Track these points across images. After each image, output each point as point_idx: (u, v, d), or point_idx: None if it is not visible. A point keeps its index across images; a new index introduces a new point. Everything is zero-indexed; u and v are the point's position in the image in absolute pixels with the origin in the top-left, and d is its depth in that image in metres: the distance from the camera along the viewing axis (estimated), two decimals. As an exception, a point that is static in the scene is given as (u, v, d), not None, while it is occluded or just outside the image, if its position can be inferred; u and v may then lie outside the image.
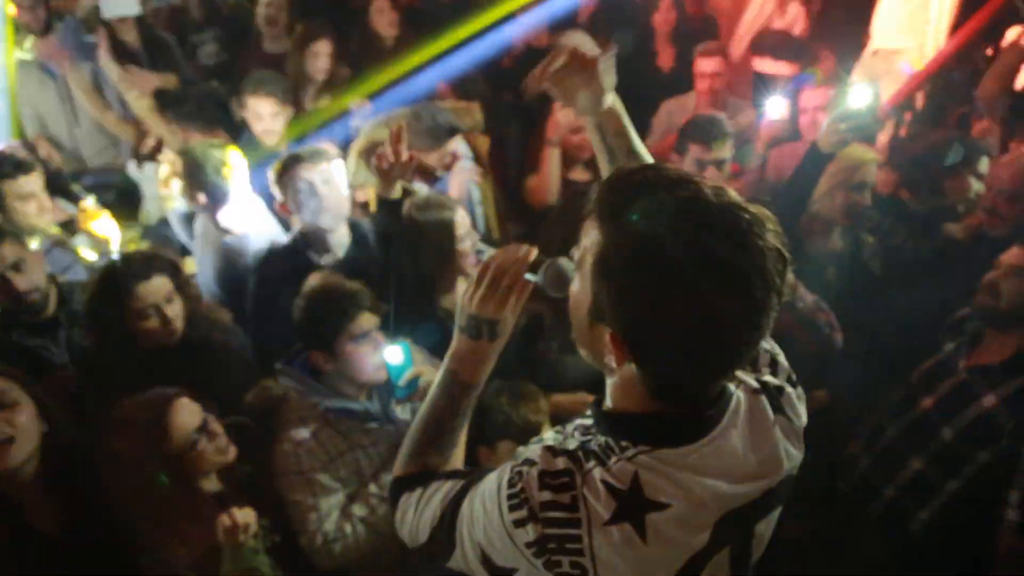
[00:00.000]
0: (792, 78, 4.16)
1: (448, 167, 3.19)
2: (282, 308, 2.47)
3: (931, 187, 3.00)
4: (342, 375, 2.10)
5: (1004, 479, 2.20)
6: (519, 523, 1.03)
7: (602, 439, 1.08)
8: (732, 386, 1.11)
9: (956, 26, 3.76)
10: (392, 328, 2.10)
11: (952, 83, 3.70)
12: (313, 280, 2.41)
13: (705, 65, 3.85)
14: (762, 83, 4.25)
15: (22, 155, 3.01)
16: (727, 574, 1.13)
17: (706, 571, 1.09)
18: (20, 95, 4.14)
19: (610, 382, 1.12)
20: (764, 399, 1.14)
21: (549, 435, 1.18)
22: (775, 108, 3.28)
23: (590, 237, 1.02)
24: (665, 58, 4.38)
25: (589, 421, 1.15)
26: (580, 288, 1.06)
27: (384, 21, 4.32)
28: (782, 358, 1.23)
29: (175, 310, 2.27)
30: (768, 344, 1.22)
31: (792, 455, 1.15)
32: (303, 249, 2.65)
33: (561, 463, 1.05)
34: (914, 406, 2.46)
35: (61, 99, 4.17)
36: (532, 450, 1.09)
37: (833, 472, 2.81)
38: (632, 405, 1.08)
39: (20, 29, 4.17)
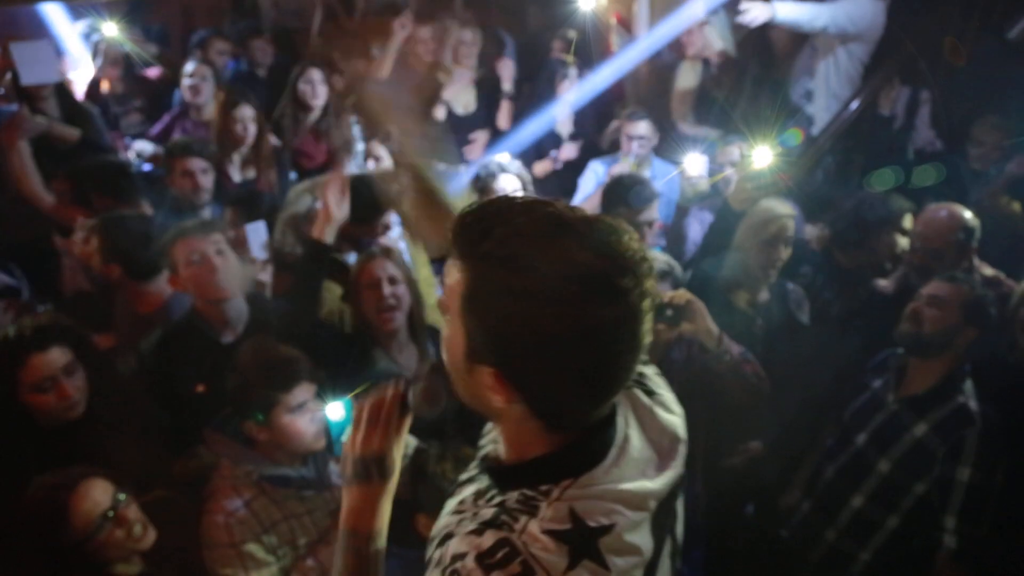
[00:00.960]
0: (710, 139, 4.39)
1: (381, 235, 3.19)
2: (181, 391, 2.43)
3: (858, 244, 3.11)
4: (277, 445, 2.01)
5: (940, 509, 2.26)
6: None
7: (514, 494, 1.03)
8: None
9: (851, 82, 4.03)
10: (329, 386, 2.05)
11: (856, 137, 3.94)
12: (246, 347, 2.32)
13: (633, 129, 4.01)
14: (679, 141, 4.47)
15: None
16: (668, 563, 1.13)
17: (659, 570, 1.09)
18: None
19: (501, 432, 1.09)
20: (636, 390, 1.15)
21: (441, 523, 1.12)
22: (695, 165, 3.41)
23: (452, 277, 0.99)
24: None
25: (482, 485, 1.11)
26: (451, 333, 1.03)
27: (310, 92, 4.36)
28: None
29: (75, 384, 2.10)
30: None
31: (676, 423, 1.16)
32: (199, 325, 2.50)
33: (491, 537, 0.98)
34: (849, 444, 2.53)
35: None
36: (452, 545, 1.02)
37: (774, 520, 2.84)
38: (534, 449, 1.04)
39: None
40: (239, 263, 2.55)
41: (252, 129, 3.95)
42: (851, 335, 2.92)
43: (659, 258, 2.66)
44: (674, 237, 3.50)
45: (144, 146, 4.31)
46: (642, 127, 4.00)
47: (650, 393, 1.16)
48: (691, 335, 2.51)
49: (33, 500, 1.71)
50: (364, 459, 1.22)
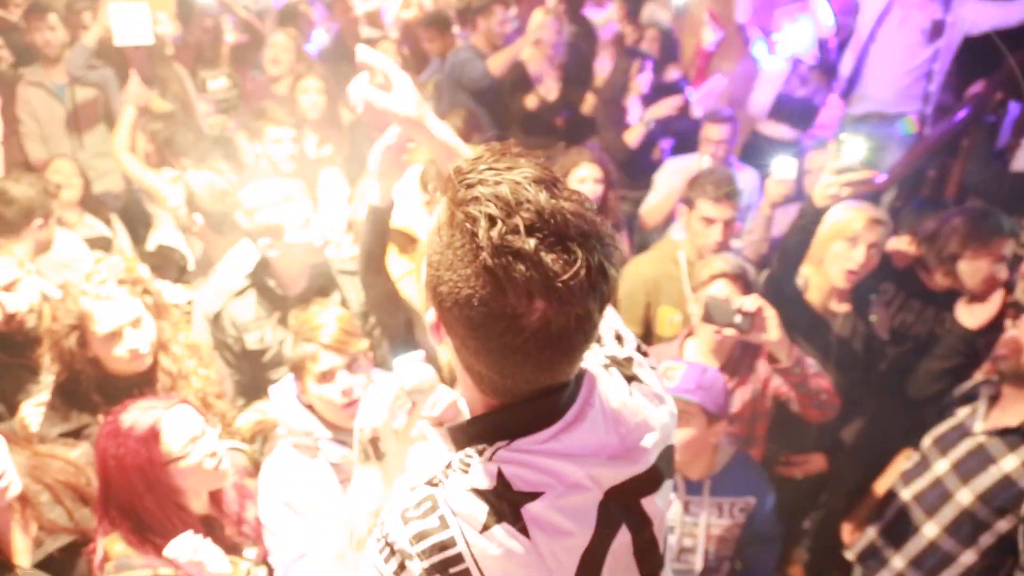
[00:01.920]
0: (796, 141, 4.21)
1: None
2: (250, 346, 2.47)
3: (954, 263, 2.83)
4: (319, 409, 1.99)
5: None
6: (398, 571, 0.96)
7: (460, 454, 1.01)
8: (584, 367, 1.05)
9: (958, 93, 3.80)
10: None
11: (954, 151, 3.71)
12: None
13: (713, 132, 3.88)
14: (763, 145, 4.31)
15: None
16: (632, 561, 1.05)
17: (608, 563, 1.02)
18: (26, 117, 4.14)
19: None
20: (615, 371, 1.08)
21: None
22: (783, 168, 3.27)
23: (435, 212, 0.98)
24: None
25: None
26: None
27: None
28: (625, 331, 1.18)
29: (143, 336, 2.09)
30: (609, 320, 1.17)
31: (658, 416, 1.08)
32: (264, 280, 2.51)
33: (419, 493, 0.99)
34: (926, 470, 2.39)
35: (68, 123, 4.16)
36: (391, 501, 1.05)
37: (837, 540, 2.72)
38: (477, 409, 1.03)
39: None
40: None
41: (317, 101, 3.98)
42: (932, 360, 2.76)
43: (732, 260, 2.56)
44: (756, 242, 3.37)
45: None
46: (723, 130, 3.86)
47: (630, 379, 1.08)
48: (761, 344, 2.41)
49: (128, 419, 1.75)
50: (361, 441, 1.30)
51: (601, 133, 4.52)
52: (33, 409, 2.24)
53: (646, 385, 1.10)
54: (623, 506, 1.02)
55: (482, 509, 0.95)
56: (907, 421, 2.73)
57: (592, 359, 1.09)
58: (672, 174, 4.05)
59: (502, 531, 0.95)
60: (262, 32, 4.98)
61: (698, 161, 3.95)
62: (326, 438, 1.97)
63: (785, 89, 4.43)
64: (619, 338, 1.16)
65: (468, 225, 0.88)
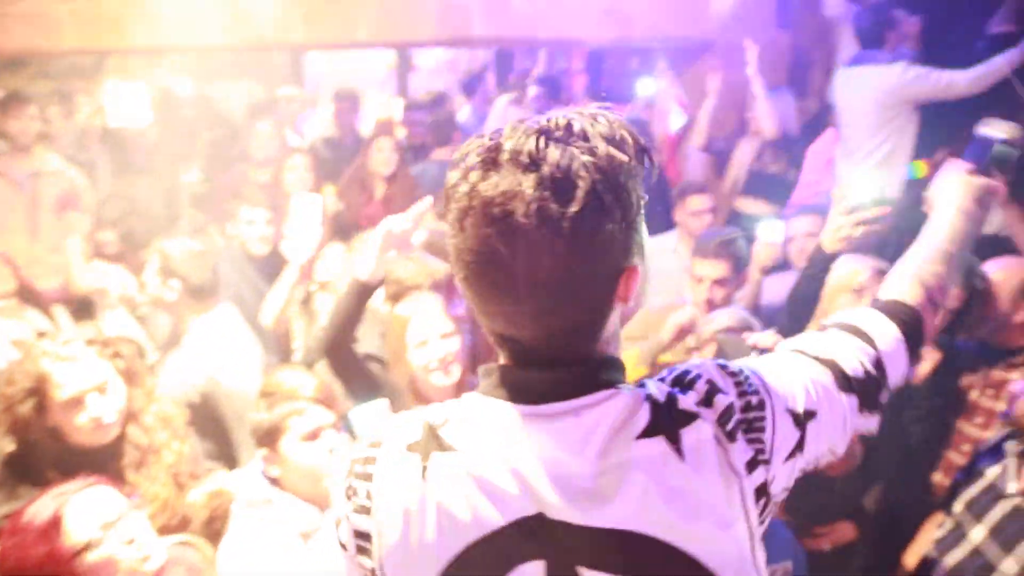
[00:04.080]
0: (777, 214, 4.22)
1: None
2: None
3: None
4: (295, 483, 1.80)
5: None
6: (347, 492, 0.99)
7: None
8: (622, 385, 0.91)
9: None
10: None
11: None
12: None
13: (696, 203, 3.84)
14: (744, 221, 4.32)
15: None
16: None
17: None
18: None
19: None
20: (646, 410, 0.89)
21: None
22: (771, 231, 3.23)
23: None
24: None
25: None
26: None
27: (381, 159, 4.36)
28: (722, 399, 0.91)
29: (109, 404, 1.89)
30: (715, 377, 0.93)
31: (685, 486, 0.86)
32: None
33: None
34: (962, 538, 2.18)
35: (26, 213, 4.07)
36: None
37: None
38: None
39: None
40: None
41: (307, 177, 3.99)
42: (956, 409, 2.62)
43: (735, 314, 2.46)
44: (743, 304, 3.29)
45: None
46: (706, 200, 3.85)
47: (660, 431, 0.88)
48: None
49: (31, 511, 1.53)
50: None
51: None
52: None
53: (680, 459, 0.87)
54: (547, 542, 0.87)
55: (413, 433, 0.95)
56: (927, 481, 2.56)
57: (649, 389, 0.92)
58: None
59: (406, 460, 0.94)
60: (237, 125, 5.00)
61: (675, 241, 3.88)
62: (289, 505, 1.77)
63: (756, 166, 4.51)
64: (709, 398, 0.91)
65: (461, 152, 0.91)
